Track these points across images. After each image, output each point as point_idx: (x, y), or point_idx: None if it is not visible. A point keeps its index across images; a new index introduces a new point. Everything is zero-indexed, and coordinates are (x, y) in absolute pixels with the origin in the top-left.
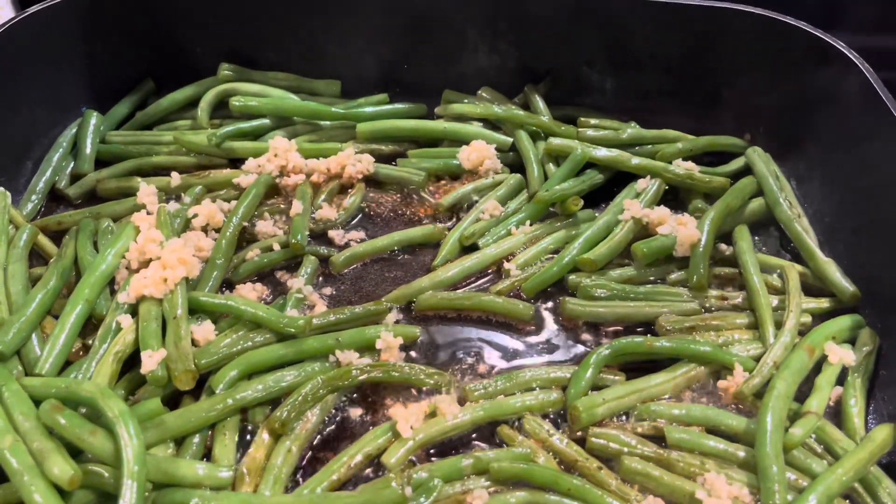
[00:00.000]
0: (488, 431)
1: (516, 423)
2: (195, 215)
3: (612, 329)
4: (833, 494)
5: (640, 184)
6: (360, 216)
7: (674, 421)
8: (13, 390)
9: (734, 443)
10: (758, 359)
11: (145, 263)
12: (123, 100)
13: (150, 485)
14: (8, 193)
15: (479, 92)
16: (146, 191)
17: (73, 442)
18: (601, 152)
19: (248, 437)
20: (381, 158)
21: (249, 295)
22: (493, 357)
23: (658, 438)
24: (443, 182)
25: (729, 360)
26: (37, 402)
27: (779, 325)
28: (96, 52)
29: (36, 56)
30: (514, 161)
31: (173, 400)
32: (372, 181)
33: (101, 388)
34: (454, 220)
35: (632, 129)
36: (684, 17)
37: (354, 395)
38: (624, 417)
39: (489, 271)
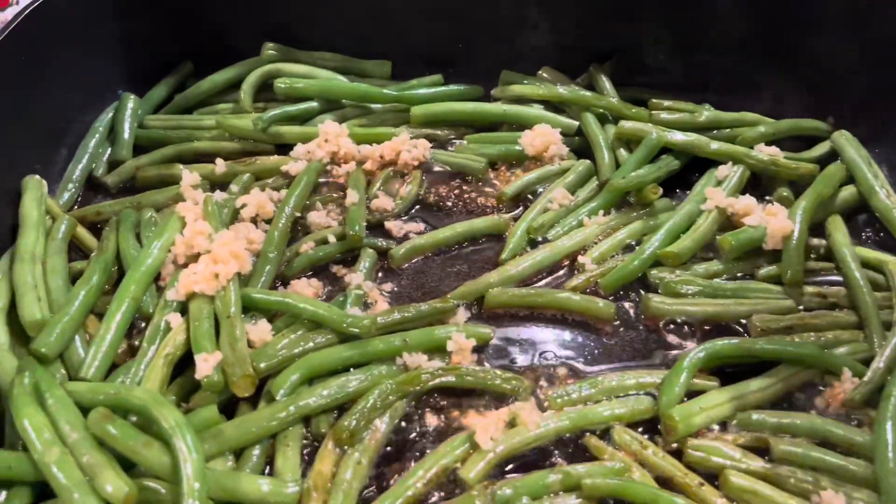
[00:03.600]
0: (572, 443)
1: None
2: (244, 205)
3: (699, 329)
4: None
5: (722, 170)
6: (417, 206)
7: (778, 431)
8: (58, 397)
9: (848, 456)
10: (866, 362)
11: (193, 258)
12: (161, 82)
13: (212, 503)
14: (44, 182)
15: (540, 72)
16: (189, 179)
17: (126, 455)
18: (678, 136)
19: (312, 448)
20: (435, 144)
21: (305, 291)
22: (571, 360)
23: (761, 451)
24: (502, 169)
25: (835, 363)
26: (83, 410)
27: (887, 326)
28: (132, 31)
29: (69, 36)
30: (579, 146)
31: (228, 406)
32: (427, 168)
33: (154, 396)
34: (518, 210)
35: (708, 112)
36: None
37: (424, 402)
38: (718, 428)
39: (562, 265)
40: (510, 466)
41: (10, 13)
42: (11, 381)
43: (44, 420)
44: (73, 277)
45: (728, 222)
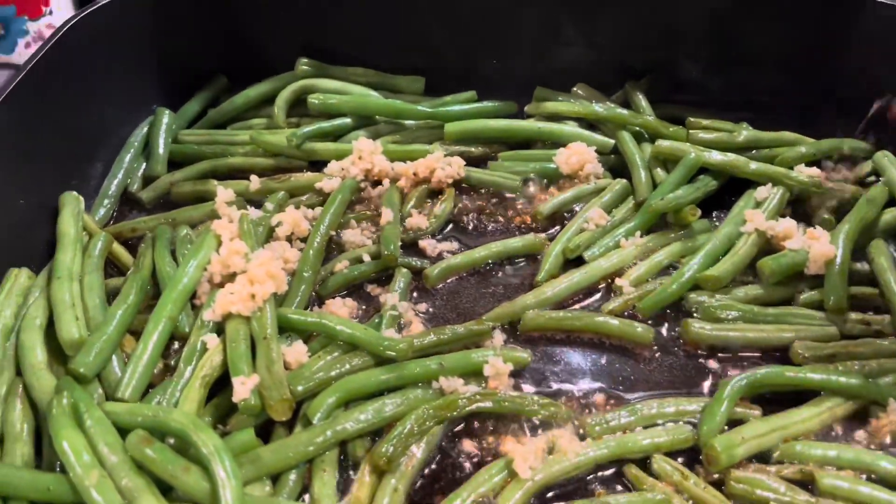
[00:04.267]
0: (609, 472)
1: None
2: (279, 223)
3: (739, 355)
4: None
5: (761, 192)
6: (451, 224)
7: (822, 463)
8: (96, 418)
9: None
10: None
11: (229, 277)
12: (195, 97)
13: None
14: (81, 199)
15: (574, 89)
16: (224, 195)
17: (165, 479)
18: (716, 156)
19: (347, 472)
20: (468, 161)
21: (340, 311)
22: (609, 386)
23: (805, 484)
24: (535, 187)
25: (881, 394)
26: (121, 431)
27: None
28: (167, 46)
29: (105, 52)
30: (614, 164)
31: (263, 428)
32: (460, 186)
33: (193, 419)
34: (553, 229)
35: (747, 132)
36: (805, 9)
37: (460, 427)
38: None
39: (598, 287)
40: (548, 496)
41: (42, 23)
42: (50, 402)
43: (83, 441)
44: (109, 294)
45: (768, 245)
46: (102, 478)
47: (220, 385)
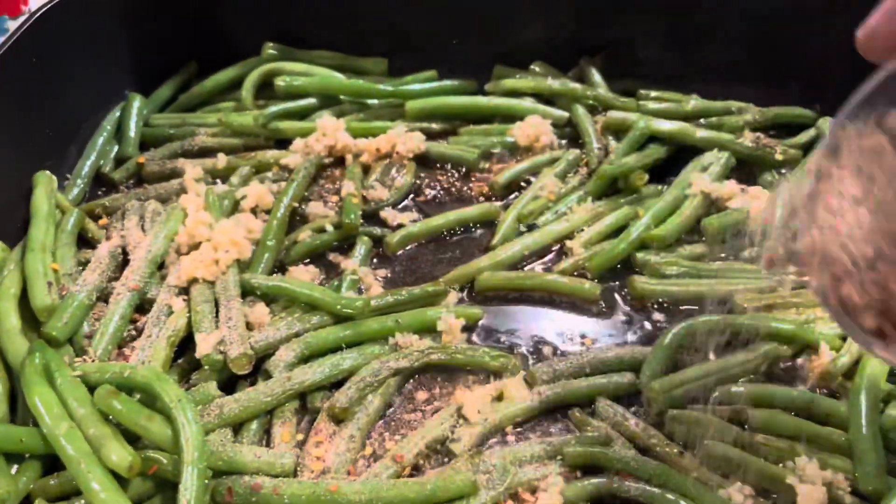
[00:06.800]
0: (557, 416)
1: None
2: (244, 197)
3: (684, 309)
4: None
5: (707, 157)
6: (411, 196)
7: (756, 403)
8: (66, 376)
9: (825, 426)
10: (844, 337)
11: (195, 246)
12: (166, 82)
13: (211, 472)
14: (54, 178)
15: (532, 66)
16: (192, 172)
17: (130, 428)
18: (664, 125)
19: (307, 423)
20: (430, 137)
21: (303, 277)
22: (558, 339)
23: (741, 423)
24: (494, 160)
25: (813, 338)
26: (91, 389)
27: None
28: (138, 34)
29: (77, 40)
30: (570, 136)
31: (228, 385)
32: (422, 160)
33: (157, 373)
34: (510, 198)
35: (695, 101)
36: None
37: (415, 379)
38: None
39: (551, 250)
40: (497, 438)
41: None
42: (22, 362)
43: (53, 397)
44: (82, 266)
45: (713, 207)
46: (71, 428)
47: (188, 350)
